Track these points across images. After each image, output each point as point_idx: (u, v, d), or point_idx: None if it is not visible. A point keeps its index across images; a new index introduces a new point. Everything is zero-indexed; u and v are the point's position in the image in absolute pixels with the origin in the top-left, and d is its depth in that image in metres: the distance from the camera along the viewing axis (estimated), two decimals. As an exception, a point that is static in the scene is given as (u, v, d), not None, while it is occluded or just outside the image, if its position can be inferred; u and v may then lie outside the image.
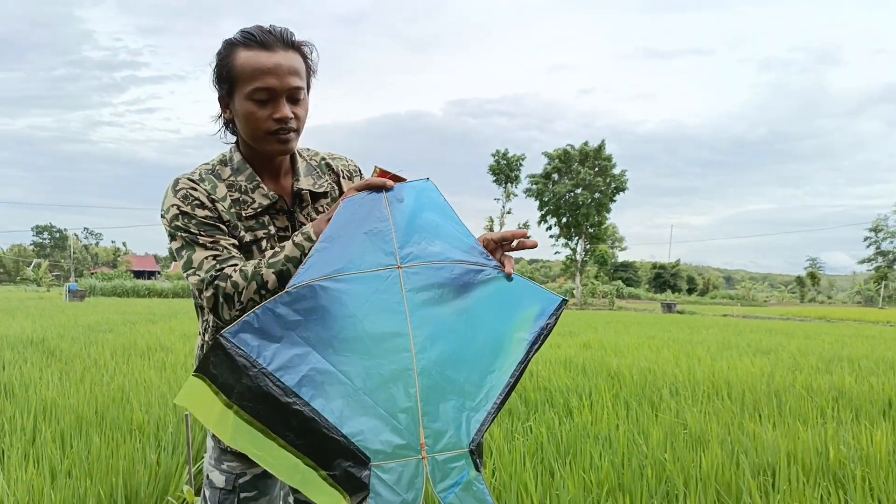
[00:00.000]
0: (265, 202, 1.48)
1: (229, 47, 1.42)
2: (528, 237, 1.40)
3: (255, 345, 1.18)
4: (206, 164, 1.53)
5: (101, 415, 4.15)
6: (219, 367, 1.17)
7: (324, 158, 1.64)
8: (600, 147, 44.40)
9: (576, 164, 44.45)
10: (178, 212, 1.41)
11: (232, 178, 1.49)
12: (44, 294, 41.15)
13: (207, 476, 1.60)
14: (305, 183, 1.54)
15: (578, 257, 46.32)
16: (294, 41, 1.43)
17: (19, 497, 2.65)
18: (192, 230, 1.40)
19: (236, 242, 1.45)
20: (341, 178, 1.63)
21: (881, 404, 5.25)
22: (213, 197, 1.44)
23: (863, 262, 63.93)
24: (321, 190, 1.57)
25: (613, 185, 44.20)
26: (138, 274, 71.47)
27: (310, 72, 1.49)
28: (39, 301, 27.26)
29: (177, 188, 1.44)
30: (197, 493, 3.46)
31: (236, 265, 1.38)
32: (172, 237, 1.44)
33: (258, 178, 1.49)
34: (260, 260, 1.38)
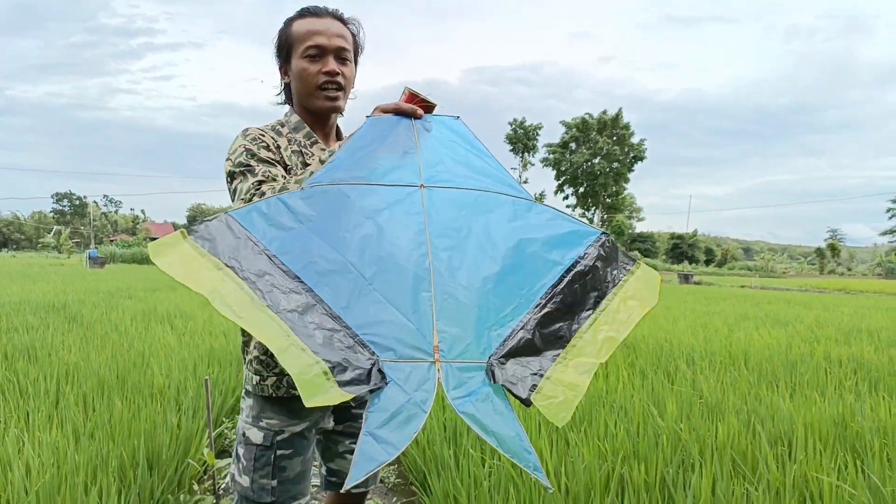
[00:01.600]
0: (323, 157, 1.51)
1: (287, 22, 1.61)
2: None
3: (262, 228, 1.12)
4: (265, 124, 1.63)
5: (123, 379, 4.22)
6: (216, 233, 1.08)
7: None
8: (618, 116, 43.88)
9: (594, 133, 44.07)
10: (244, 150, 1.50)
11: (290, 135, 1.61)
12: (64, 261, 41.76)
13: (243, 434, 1.62)
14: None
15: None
16: (342, 16, 1.61)
17: (45, 458, 2.71)
18: (251, 164, 1.47)
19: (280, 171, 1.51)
20: None
21: (900, 376, 5.20)
22: (278, 144, 1.57)
23: (884, 233, 63.17)
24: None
25: (632, 155, 43.79)
26: (157, 241, 72.07)
27: (357, 47, 1.64)
28: (60, 267, 27.66)
29: (246, 133, 1.55)
30: (217, 456, 3.53)
31: (274, 186, 1.40)
32: (233, 176, 1.49)
33: (315, 135, 1.62)
34: (290, 177, 1.45)
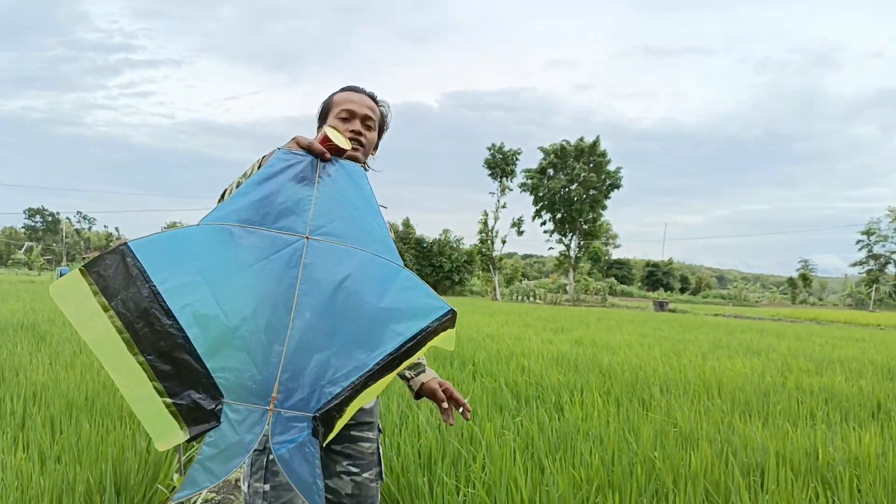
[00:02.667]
0: (241, 180, 1.64)
1: (331, 94, 1.95)
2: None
3: (154, 261, 1.22)
4: None
5: (92, 400, 4.13)
6: (110, 269, 1.19)
7: None
8: (595, 143, 44.42)
9: (571, 159, 44.48)
10: (243, 174, 1.64)
11: None
12: (35, 278, 40.97)
13: None
14: None
15: (572, 253, 46.42)
16: (375, 97, 1.96)
17: (8, 482, 2.64)
18: (231, 187, 1.61)
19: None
20: None
21: (870, 407, 5.28)
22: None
23: (854, 264, 64.28)
24: None
25: (608, 182, 44.26)
26: (131, 260, 71.04)
27: (382, 123, 1.98)
28: (31, 285, 27.12)
29: (264, 155, 1.67)
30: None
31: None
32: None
33: None
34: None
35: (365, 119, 1.90)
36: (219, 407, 1.20)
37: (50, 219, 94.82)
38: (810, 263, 78.22)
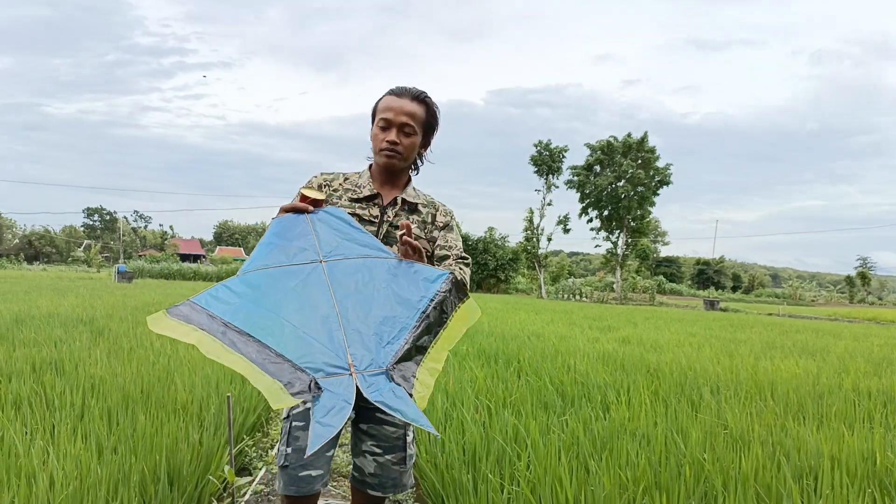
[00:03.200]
0: (367, 193, 2.14)
1: (381, 96, 2.11)
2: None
3: (215, 306, 1.60)
4: (338, 172, 2.25)
5: (147, 393, 4.27)
6: (185, 311, 1.58)
7: (441, 204, 2.25)
8: (643, 139, 43.66)
9: (618, 155, 43.82)
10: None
11: (355, 179, 2.19)
12: (93, 274, 42.45)
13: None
14: (407, 195, 2.17)
15: (619, 251, 45.73)
16: (420, 96, 2.09)
17: (68, 470, 2.75)
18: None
19: None
20: (437, 219, 2.22)
21: (933, 411, 5.07)
22: (327, 184, 2.17)
23: (917, 262, 61.69)
24: (415, 201, 2.18)
25: (657, 179, 43.45)
26: (184, 257, 73.02)
27: (430, 123, 2.13)
28: (89, 281, 28.12)
29: (309, 180, 2.17)
30: (238, 474, 3.54)
31: None
32: None
33: (371, 180, 2.17)
34: None
35: (402, 127, 2.05)
36: (312, 382, 1.46)
37: (108, 218, 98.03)
38: (869, 261, 75.41)
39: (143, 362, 5.48)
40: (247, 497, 3.45)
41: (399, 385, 1.52)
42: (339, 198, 2.13)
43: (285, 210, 1.90)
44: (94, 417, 3.62)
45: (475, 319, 1.77)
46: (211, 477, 3.14)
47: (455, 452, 3.36)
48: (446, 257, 2.16)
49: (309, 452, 1.27)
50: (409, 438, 2.13)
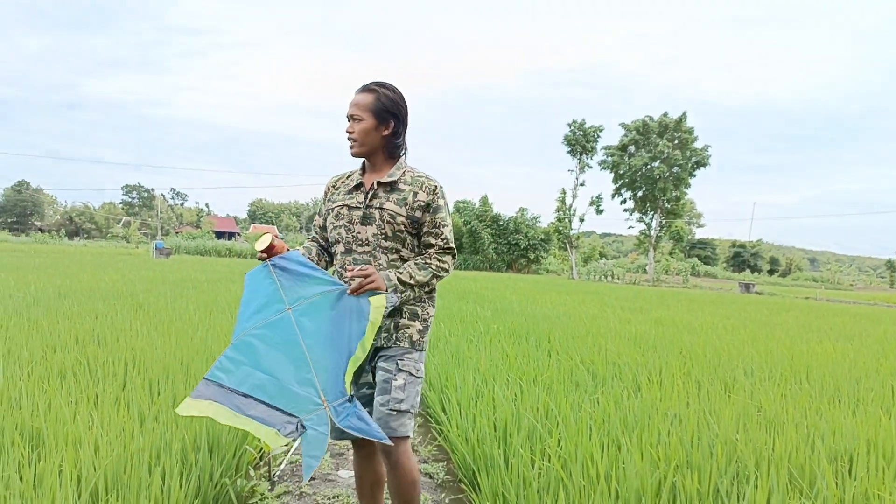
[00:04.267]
0: (354, 183, 2.41)
1: None
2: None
3: (223, 377, 2.13)
4: (350, 171, 2.53)
5: (186, 366, 4.38)
6: (203, 389, 2.11)
7: (426, 180, 2.37)
8: (681, 119, 42.87)
9: (654, 136, 43.12)
10: (325, 189, 2.56)
11: (352, 176, 2.47)
12: (132, 250, 43.36)
13: None
14: (381, 177, 2.36)
15: (653, 233, 45.17)
16: (370, 86, 2.35)
17: (112, 437, 2.85)
18: (314, 220, 2.63)
19: (319, 223, 2.57)
20: (417, 197, 2.34)
21: (975, 397, 4.95)
22: (327, 189, 2.54)
23: (963, 247, 59.84)
24: (388, 180, 2.34)
25: (694, 160, 42.69)
26: (219, 234, 74.21)
27: (381, 106, 2.31)
28: (128, 257, 28.76)
29: (327, 183, 2.57)
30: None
31: (315, 238, 2.61)
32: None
33: (361, 173, 2.43)
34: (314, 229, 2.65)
35: (351, 117, 2.33)
36: (299, 423, 2.08)
37: (146, 195, 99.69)
38: (913, 245, 73.15)
39: (182, 335, 5.61)
40: (283, 466, 3.54)
41: (357, 408, 2.12)
42: (339, 193, 2.45)
43: (260, 259, 2.29)
44: (135, 387, 3.74)
45: (383, 305, 2.19)
46: (248, 447, 3.22)
47: (486, 428, 3.40)
48: (431, 245, 2.36)
49: (305, 480, 2.21)
50: (396, 383, 2.27)
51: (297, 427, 2.06)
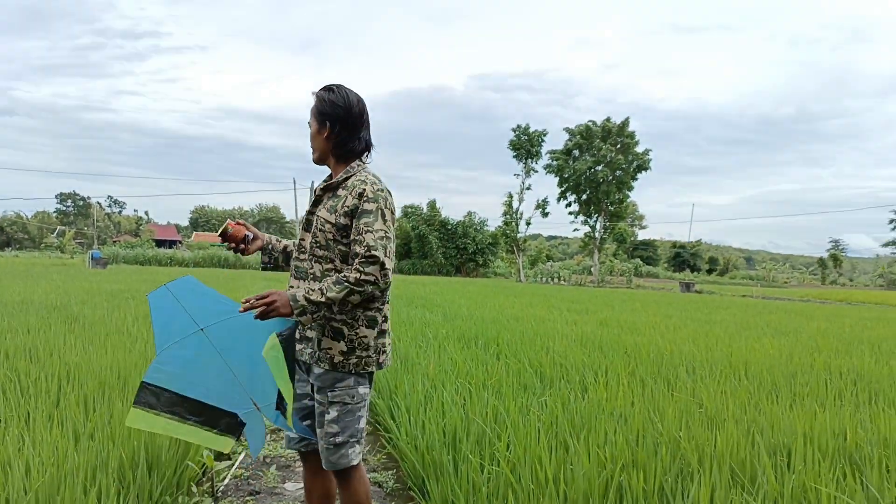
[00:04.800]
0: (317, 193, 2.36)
1: None
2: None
3: (159, 378, 2.14)
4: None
5: (124, 380, 4.23)
6: (147, 396, 2.13)
7: (360, 183, 2.21)
8: (624, 124, 43.82)
9: (597, 140, 43.93)
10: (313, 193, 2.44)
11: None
12: (67, 261, 41.79)
13: None
14: (331, 181, 2.31)
15: (597, 235, 46.00)
16: (315, 92, 2.30)
17: (44, 457, 2.72)
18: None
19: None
20: (346, 203, 2.20)
21: (901, 388, 5.19)
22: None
23: (887, 244, 63.00)
24: (328, 184, 2.29)
25: (636, 164, 43.67)
26: (160, 243, 72.07)
27: (322, 112, 2.26)
28: (63, 268, 27.69)
29: (318, 185, 2.42)
30: (216, 459, 3.53)
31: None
32: None
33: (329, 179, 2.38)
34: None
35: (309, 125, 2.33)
36: (238, 420, 2.22)
37: (81, 203, 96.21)
38: (841, 244, 76.92)
39: (119, 348, 5.42)
40: (226, 481, 3.44)
41: (279, 412, 2.25)
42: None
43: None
44: (70, 404, 3.59)
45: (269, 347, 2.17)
46: (190, 462, 3.12)
47: (435, 434, 3.38)
48: (356, 255, 2.12)
49: (252, 458, 1.93)
50: (328, 417, 2.20)
51: (237, 422, 2.21)
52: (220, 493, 3.27)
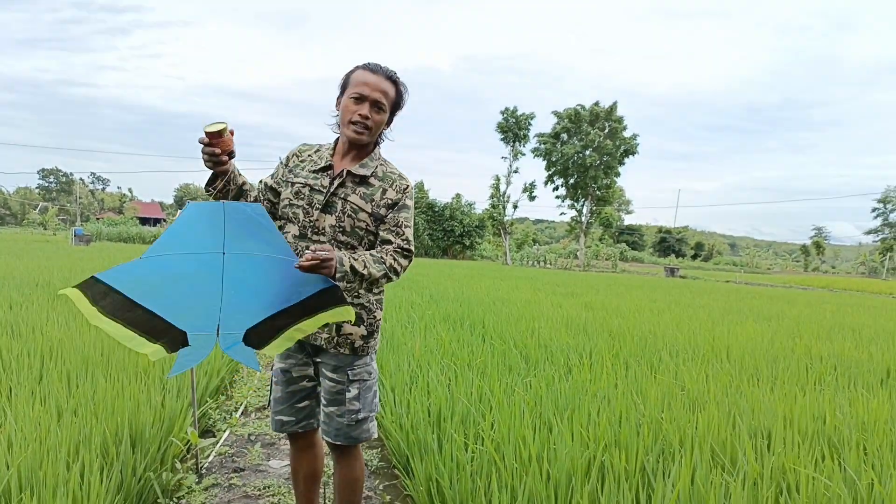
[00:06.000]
0: (323, 165, 2.22)
1: (354, 68, 2.18)
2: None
3: (118, 280, 1.90)
4: (321, 144, 2.34)
5: (107, 357, 4.20)
6: (93, 288, 1.87)
7: (398, 178, 2.23)
8: (612, 108, 43.77)
9: (585, 124, 43.88)
10: (286, 158, 2.35)
11: (323, 151, 2.28)
12: (49, 237, 41.33)
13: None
14: (354, 167, 2.19)
15: (584, 219, 46.11)
16: (394, 76, 2.17)
17: (27, 433, 2.70)
18: (273, 172, 2.38)
19: (269, 183, 2.33)
20: (386, 195, 2.20)
21: (880, 373, 5.28)
22: (291, 155, 2.33)
23: (869, 232, 63.70)
24: (364, 173, 2.18)
25: (623, 148, 43.70)
26: (144, 220, 71.48)
27: (397, 104, 2.21)
28: (45, 244, 27.40)
29: (293, 150, 2.36)
30: (201, 435, 3.53)
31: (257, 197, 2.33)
32: None
33: (332, 153, 2.26)
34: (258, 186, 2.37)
35: (375, 103, 2.13)
36: (186, 336, 1.91)
37: (64, 179, 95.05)
38: (824, 231, 77.67)
39: (103, 325, 5.37)
40: (210, 458, 3.44)
41: (249, 346, 1.95)
42: (303, 168, 2.26)
43: (209, 182, 2.16)
44: (52, 380, 3.56)
45: (344, 319, 1.99)
46: (174, 439, 3.12)
47: (420, 413, 3.40)
48: (389, 242, 2.17)
49: (169, 377, 1.84)
50: (350, 395, 2.23)
51: (182, 340, 1.90)
52: (204, 470, 3.27)
